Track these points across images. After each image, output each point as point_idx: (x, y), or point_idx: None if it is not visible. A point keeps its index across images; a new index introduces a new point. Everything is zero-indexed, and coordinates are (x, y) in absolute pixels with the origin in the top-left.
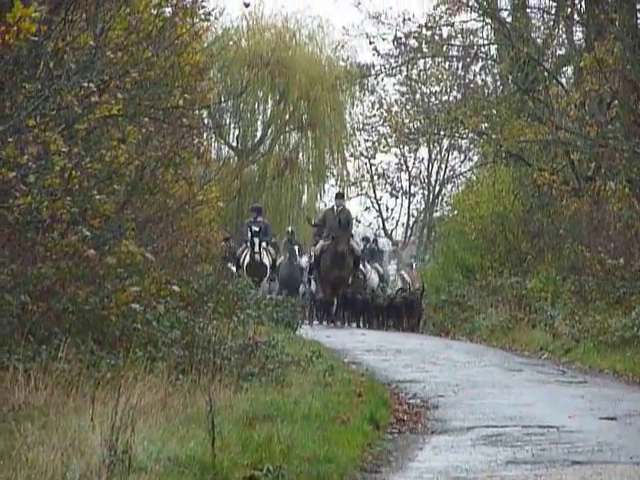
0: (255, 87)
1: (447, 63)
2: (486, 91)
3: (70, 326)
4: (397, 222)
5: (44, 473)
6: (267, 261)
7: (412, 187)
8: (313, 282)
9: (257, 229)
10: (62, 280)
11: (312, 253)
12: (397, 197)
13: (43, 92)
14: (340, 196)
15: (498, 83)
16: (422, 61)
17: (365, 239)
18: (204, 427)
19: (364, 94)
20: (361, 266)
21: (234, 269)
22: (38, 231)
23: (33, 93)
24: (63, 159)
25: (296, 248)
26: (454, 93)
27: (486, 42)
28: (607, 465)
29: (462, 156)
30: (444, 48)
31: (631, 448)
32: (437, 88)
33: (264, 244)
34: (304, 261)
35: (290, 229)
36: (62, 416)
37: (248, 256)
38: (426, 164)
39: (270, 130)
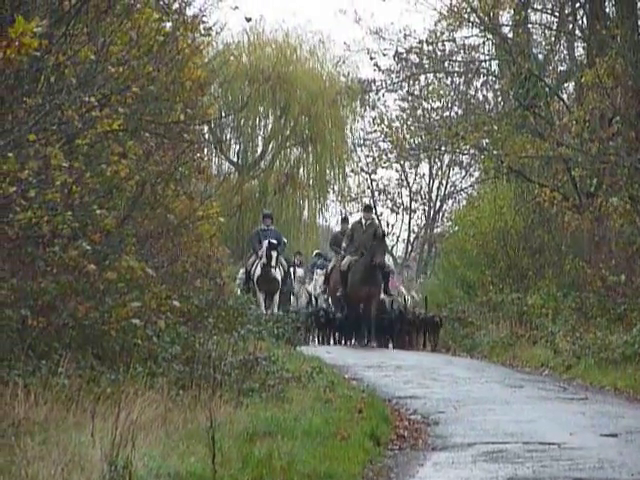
0: (256, 102)
1: (448, 79)
2: (487, 107)
3: (70, 341)
4: (398, 238)
5: None
6: (279, 275)
7: (413, 203)
8: (324, 298)
9: (275, 241)
10: (62, 295)
11: (317, 267)
12: (398, 213)
13: (44, 107)
14: (368, 209)
15: (499, 99)
16: (423, 77)
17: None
18: (204, 443)
19: (365, 109)
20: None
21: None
22: (38, 246)
23: (34, 108)
24: (64, 174)
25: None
26: (455, 109)
27: (487, 58)
28: None
29: (463, 172)
30: (445, 64)
31: (632, 465)
32: (438, 104)
33: (280, 257)
34: (300, 272)
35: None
36: (62, 431)
37: (259, 268)
38: (427, 180)
39: (271, 145)
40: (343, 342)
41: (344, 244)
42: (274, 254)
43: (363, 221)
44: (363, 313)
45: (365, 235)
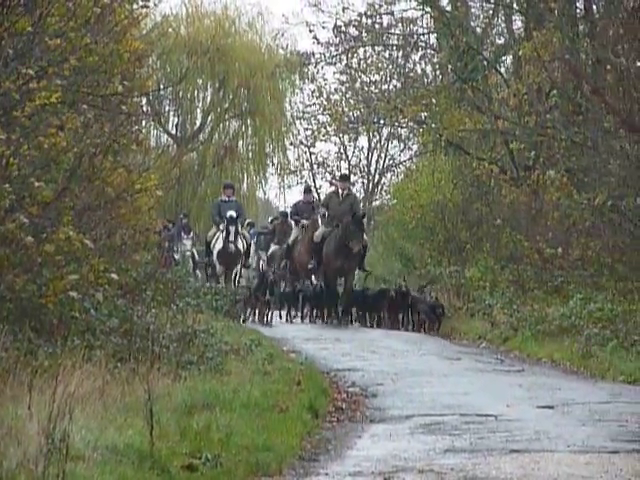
0: (194, 75)
1: (387, 52)
2: (426, 80)
3: (7, 314)
4: None
5: None
6: (241, 247)
7: (352, 176)
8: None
9: (234, 215)
10: None
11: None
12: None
13: None
14: (345, 178)
15: (438, 72)
16: (362, 50)
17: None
18: (142, 416)
19: (304, 82)
20: None
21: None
22: None
23: None
24: (1, 146)
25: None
26: (394, 82)
27: (426, 31)
28: (545, 453)
29: (402, 145)
30: (384, 37)
31: (568, 436)
32: (377, 77)
33: (240, 228)
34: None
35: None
36: None
37: (221, 242)
38: (366, 153)
39: (210, 118)
40: (312, 318)
41: (321, 211)
42: (232, 229)
43: (340, 191)
44: (336, 287)
45: (342, 207)
